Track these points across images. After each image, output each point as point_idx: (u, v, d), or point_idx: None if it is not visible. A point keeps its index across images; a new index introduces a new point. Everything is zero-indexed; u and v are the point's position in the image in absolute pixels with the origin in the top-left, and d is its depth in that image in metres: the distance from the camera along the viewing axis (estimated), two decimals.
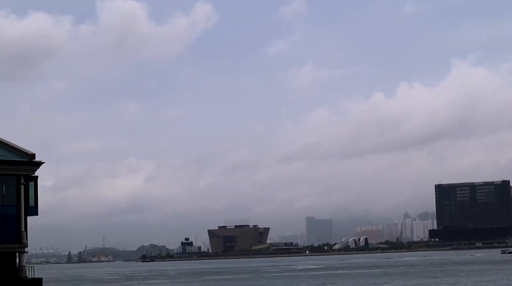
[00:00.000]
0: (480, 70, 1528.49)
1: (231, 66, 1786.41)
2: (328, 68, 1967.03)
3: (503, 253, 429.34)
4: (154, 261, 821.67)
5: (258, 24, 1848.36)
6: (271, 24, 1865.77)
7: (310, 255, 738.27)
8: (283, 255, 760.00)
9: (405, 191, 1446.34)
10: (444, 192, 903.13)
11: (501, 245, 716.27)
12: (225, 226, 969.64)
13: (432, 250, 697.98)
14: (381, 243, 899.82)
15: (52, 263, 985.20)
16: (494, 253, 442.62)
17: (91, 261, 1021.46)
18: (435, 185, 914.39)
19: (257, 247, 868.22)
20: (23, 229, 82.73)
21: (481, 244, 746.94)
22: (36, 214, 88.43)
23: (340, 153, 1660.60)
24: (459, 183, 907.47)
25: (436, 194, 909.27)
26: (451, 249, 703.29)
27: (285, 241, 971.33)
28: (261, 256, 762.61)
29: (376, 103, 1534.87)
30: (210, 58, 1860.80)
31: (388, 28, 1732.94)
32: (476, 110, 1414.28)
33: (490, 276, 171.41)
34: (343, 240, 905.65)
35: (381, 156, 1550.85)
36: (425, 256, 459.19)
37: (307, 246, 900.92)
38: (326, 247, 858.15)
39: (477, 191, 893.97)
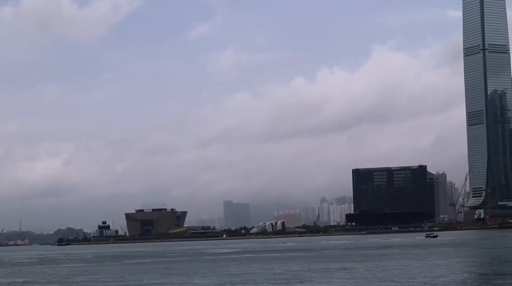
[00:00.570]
0: (400, 56, 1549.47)
1: (153, 49, 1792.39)
2: (249, 52, 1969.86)
3: (427, 237, 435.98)
4: (70, 244, 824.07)
5: (180, 7, 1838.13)
6: (193, 7, 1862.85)
7: (228, 239, 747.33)
8: (200, 239, 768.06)
9: (323, 175, 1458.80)
10: (361, 177, 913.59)
11: (417, 229, 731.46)
12: (143, 210, 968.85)
13: (348, 234, 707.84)
14: (298, 227, 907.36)
15: None
16: (419, 237, 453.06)
17: (7, 245, 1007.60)
18: (353, 170, 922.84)
19: (174, 231, 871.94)
20: None
21: (397, 228, 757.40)
22: None
23: (260, 137, 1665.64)
24: (377, 168, 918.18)
25: (353, 179, 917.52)
26: (368, 233, 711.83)
27: (202, 225, 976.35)
28: (178, 240, 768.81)
29: (297, 87, 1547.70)
30: (133, 41, 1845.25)
31: (309, 12, 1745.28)
32: (395, 95, 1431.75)
33: (431, 258, 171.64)
34: (260, 224, 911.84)
35: (300, 140, 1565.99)
36: (354, 240, 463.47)
37: (224, 230, 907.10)
38: (243, 231, 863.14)
39: (394, 176, 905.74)
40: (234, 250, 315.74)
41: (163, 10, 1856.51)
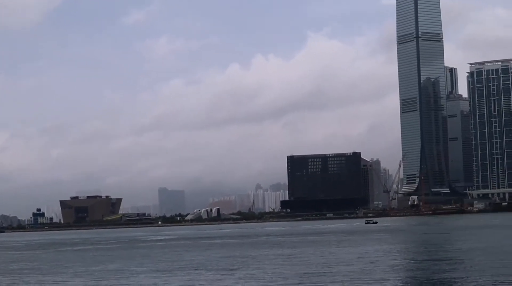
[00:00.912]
0: (335, 43, 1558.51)
1: (89, 36, 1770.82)
2: (185, 39, 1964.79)
3: (367, 223, 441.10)
4: (4, 232, 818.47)
5: None
6: None
7: (163, 226, 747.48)
8: (135, 226, 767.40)
9: (258, 162, 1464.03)
10: (296, 164, 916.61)
11: (352, 216, 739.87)
12: (77, 197, 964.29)
13: (283, 221, 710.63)
14: (233, 213, 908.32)
15: None
16: (358, 223, 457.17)
17: None
18: (287, 157, 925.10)
19: (109, 218, 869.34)
20: None
21: (332, 214, 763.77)
22: None
23: (195, 124, 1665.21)
24: (311, 155, 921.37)
25: (288, 166, 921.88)
26: (303, 219, 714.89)
27: (137, 212, 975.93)
28: (113, 227, 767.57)
29: (232, 74, 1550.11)
30: (68, 27, 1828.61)
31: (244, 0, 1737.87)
32: (330, 83, 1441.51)
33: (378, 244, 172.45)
34: (195, 211, 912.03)
35: (236, 127, 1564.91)
36: (290, 227, 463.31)
37: (160, 217, 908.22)
38: (178, 218, 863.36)
39: (329, 162, 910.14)
40: (171, 237, 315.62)
41: None
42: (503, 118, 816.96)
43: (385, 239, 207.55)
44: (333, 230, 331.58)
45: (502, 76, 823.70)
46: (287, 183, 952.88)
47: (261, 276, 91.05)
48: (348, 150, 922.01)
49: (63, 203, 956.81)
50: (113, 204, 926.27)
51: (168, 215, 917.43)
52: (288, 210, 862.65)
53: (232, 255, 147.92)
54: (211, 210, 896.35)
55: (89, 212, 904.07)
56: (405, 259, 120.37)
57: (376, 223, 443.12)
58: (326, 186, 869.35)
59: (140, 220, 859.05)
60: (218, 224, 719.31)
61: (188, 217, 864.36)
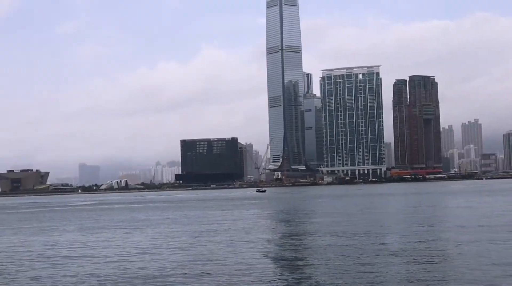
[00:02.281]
0: (222, 52, 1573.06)
1: (28, 42, 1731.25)
2: (104, 46, 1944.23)
3: (257, 191, 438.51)
4: None
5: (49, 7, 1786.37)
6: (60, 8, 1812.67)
7: (82, 193, 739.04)
8: (60, 194, 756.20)
9: (158, 144, 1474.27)
10: (187, 146, 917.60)
11: (230, 186, 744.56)
12: (13, 170, 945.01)
13: (177, 190, 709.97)
14: (138, 184, 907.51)
15: None
16: (251, 191, 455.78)
17: None
18: (181, 140, 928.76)
19: (39, 187, 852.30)
20: None
21: (215, 185, 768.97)
22: None
23: (111, 113, 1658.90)
24: (199, 139, 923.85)
25: (181, 147, 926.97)
26: (192, 189, 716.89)
27: (62, 183, 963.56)
28: (42, 194, 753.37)
29: (142, 75, 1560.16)
30: (11, 34, 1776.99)
31: (153, 15, 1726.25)
32: (217, 83, 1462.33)
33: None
34: (108, 182, 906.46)
35: (143, 117, 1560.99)
36: (197, 194, 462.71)
37: (79, 187, 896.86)
38: (94, 187, 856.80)
39: (213, 145, 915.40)
40: (92, 202, 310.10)
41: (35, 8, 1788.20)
42: (347, 112, 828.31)
43: (262, 204, 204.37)
44: (230, 196, 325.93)
45: (346, 80, 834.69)
46: (180, 161, 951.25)
47: (165, 232, 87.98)
48: (228, 135, 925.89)
49: (0, 175, 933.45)
50: (42, 176, 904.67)
51: (86, 185, 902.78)
52: (181, 181, 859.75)
53: (141, 218, 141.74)
54: (120, 181, 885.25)
55: (22, 183, 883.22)
56: (272, 218, 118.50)
57: (264, 191, 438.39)
58: (210, 164, 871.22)
59: (64, 189, 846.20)
60: (126, 192, 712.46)
61: (102, 187, 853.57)
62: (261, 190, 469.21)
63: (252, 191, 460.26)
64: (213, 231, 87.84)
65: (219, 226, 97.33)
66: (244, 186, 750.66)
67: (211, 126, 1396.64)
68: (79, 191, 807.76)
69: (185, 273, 46.16)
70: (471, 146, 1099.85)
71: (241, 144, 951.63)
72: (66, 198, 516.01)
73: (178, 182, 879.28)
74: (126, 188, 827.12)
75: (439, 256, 52.41)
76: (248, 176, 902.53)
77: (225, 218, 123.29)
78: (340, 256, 52.90)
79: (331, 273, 43.53)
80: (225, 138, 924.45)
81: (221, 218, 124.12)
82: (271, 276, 44.04)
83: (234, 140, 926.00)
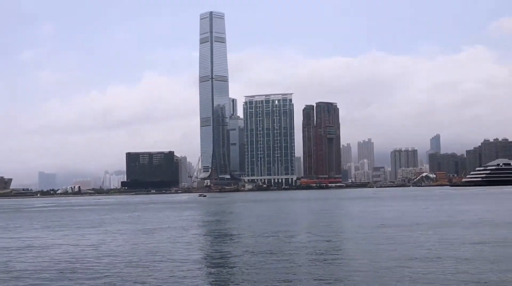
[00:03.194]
0: (164, 79, 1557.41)
1: None
2: (62, 71, 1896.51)
3: (200, 196, 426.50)
4: None
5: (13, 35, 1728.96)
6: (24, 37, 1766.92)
7: (41, 197, 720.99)
8: (21, 197, 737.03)
9: (108, 156, 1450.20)
10: (131, 157, 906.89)
11: (167, 192, 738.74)
12: None
13: (123, 195, 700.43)
14: (89, 189, 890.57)
15: None
16: (194, 196, 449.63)
17: None
18: (126, 153, 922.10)
19: (2, 192, 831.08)
20: None
21: (154, 191, 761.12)
22: None
23: (68, 130, 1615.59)
24: (142, 152, 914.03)
25: (126, 159, 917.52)
26: (136, 194, 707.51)
27: (23, 188, 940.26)
28: (5, 198, 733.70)
29: (94, 97, 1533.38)
30: None
31: (104, 45, 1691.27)
32: (160, 105, 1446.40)
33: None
34: (63, 187, 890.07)
35: (97, 133, 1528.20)
36: (124, 198, 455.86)
37: (39, 191, 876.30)
38: (51, 192, 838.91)
39: (153, 157, 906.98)
40: (50, 204, 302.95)
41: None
42: (265, 131, 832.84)
43: (194, 207, 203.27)
44: (178, 200, 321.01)
45: (265, 105, 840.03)
46: (125, 170, 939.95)
47: (117, 229, 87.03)
48: (166, 150, 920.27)
49: None
50: (6, 182, 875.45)
51: (44, 190, 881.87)
52: (126, 187, 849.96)
53: (97, 218, 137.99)
54: (74, 187, 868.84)
55: None
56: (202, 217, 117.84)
57: (205, 196, 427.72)
58: (151, 173, 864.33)
59: (25, 193, 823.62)
60: (78, 196, 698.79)
61: (59, 192, 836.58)
62: (203, 195, 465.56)
63: (195, 196, 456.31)
64: (156, 228, 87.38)
65: (161, 224, 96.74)
66: (179, 191, 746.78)
67: (152, 142, 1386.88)
68: (38, 195, 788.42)
69: (123, 261, 45.93)
70: (365, 160, 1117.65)
71: (177, 156, 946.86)
72: (27, 200, 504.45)
73: (123, 188, 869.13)
74: (79, 193, 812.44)
75: (338, 250, 53.14)
76: (183, 183, 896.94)
77: (171, 216, 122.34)
78: (256, 247, 53.33)
79: (250, 265, 43.76)
80: (164, 152, 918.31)
81: (170, 216, 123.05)
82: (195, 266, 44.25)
83: (171, 153, 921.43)
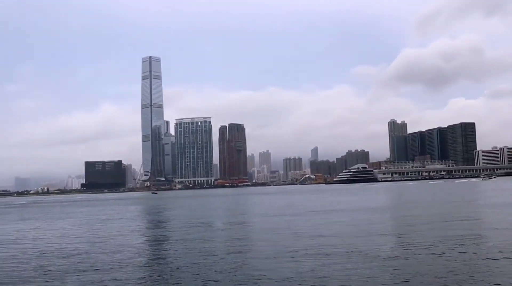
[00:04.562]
0: (115, 105, 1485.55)
1: None
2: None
3: (152, 194, 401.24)
4: None
5: None
6: None
7: (17, 196, 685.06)
8: (1, 197, 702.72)
9: (71, 164, 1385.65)
10: (89, 165, 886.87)
11: (117, 192, 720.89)
12: None
13: (83, 194, 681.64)
14: (55, 190, 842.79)
15: None
16: (145, 194, 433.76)
17: None
18: (85, 162, 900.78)
19: None
20: None
21: (106, 190, 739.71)
22: None
23: (40, 145, 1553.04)
24: (97, 161, 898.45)
25: (85, 166, 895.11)
26: (92, 193, 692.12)
27: (2, 189, 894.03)
28: None
29: (63, 120, 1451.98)
30: None
31: (68, 82, 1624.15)
32: (112, 127, 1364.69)
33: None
34: (35, 188, 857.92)
35: (61, 147, 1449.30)
36: (81, 196, 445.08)
37: (15, 192, 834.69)
38: (26, 192, 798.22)
39: (106, 165, 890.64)
40: (28, 202, 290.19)
41: None
42: (191, 145, 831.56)
43: (140, 202, 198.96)
44: (128, 197, 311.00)
45: (191, 126, 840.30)
46: (84, 175, 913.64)
47: (74, 222, 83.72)
48: (116, 159, 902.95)
49: None
50: None
51: (20, 191, 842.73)
52: (85, 188, 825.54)
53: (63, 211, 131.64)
54: (44, 188, 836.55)
55: None
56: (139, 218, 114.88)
57: (156, 193, 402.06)
58: (104, 176, 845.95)
59: (4, 193, 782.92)
60: (47, 195, 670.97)
61: (31, 192, 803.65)
62: (155, 192, 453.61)
63: (145, 193, 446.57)
64: (105, 219, 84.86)
65: (109, 217, 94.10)
66: (126, 191, 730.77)
67: (105, 153, 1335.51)
68: (15, 195, 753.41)
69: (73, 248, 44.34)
70: (264, 166, 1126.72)
71: (124, 164, 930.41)
72: (5, 199, 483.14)
73: (83, 188, 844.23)
74: (48, 192, 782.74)
75: (246, 235, 53.05)
76: (129, 184, 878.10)
77: (121, 210, 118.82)
78: (185, 235, 52.69)
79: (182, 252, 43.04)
80: (114, 160, 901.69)
81: (118, 210, 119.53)
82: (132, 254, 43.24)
83: (119, 162, 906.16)
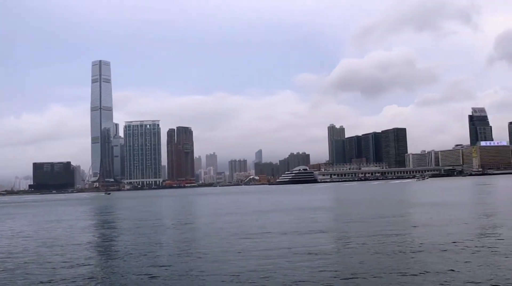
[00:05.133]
0: (65, 109, 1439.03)
1: None
2: None
3: (105, 194, 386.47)
4: None
5: None
6: None
7: None
8: None
9: (19, 165, 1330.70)
10: (37, 166, 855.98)
11: (66, 192, 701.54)
12: None
13: (30, 195, 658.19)
14: (2, 191, 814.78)
15: None
16: (103, 194, 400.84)
17: None
18: (33, 163, 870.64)
19: None
20: None
21: (55, 191, 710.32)
22: None
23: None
24: (46, 162, 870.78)
25: (33, 167, 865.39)
26: (41, 194, 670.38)
27: None
28: None
29: (11, 121, 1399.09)
30: None
31: (18, 84, 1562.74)
32: (61, 128, 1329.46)
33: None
34: None
35: (11, 148, 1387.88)
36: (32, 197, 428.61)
37: None
38: None
39: (54, 166, 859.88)
40: None
41: None
42: (139, 147, 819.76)
43: (91, 202, 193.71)
44: (80, 198, 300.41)
45: (139, 128, 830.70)
46: (32, 176, 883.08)
47: (32, 220, 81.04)
48: (65, 160, 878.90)
49: None
50: None
51: None
52: (33, 189, 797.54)
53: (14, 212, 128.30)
54: None
55: None
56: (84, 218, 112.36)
57: (110, 194, 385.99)
58: (53, 177, 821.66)
59: None
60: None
61: None
62: (108, 193, 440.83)
63: (100, 194, 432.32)
64: (56, 220, 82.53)
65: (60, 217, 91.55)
66: (75, 192, 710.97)
67: (54, 155, 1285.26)
68: None
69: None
70: (211, 167, 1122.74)
71: (73, 165, 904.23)
72: None
73: (30, 189, 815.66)
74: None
75: (194, 233, 52.91)
76: (77, 185, 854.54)
77: (72, 211, 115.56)
78: (132, 231, 52.14)
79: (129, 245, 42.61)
80: (63, 162, 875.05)
81: (68, 210, 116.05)
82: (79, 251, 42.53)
83: (68, 163, 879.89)
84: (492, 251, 29.68)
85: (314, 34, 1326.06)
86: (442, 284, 22.38)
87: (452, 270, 24.82)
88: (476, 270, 24.80)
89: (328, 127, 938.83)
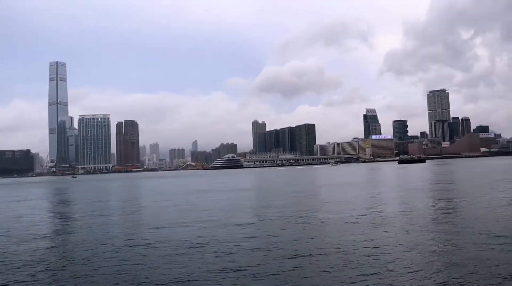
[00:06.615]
0: (27, 103, 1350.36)
1: None
2: None
3: (72, 177, 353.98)
4: None
5: None
6: None
7: None
8: None
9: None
10: (0, 154, 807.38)
11: (26, 176, 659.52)
12: None
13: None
14: None
15: None
16: (69, 178, 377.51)
17: None
18: None
19: None
20: None
21: (16, 176, 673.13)
22: None
23: None
24: (9, 150, 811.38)
25: None
26: (3, 178, 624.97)
27: None
28: None
29: None
30: None
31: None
32: (22, 121, 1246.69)
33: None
34: None
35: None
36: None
37: None
38: None
39: (15, 153, 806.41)
40: None
41: None
42: (92, 137, 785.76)
43: (40, 186, 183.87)
44: (48, 180, 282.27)
45: (92, 121, 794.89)
46: None
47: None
48: (25, 148, 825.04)
49: None
50: None
51: None
52: None
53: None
54: None
55: None
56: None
57: (76, 177, 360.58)
58: (14, 163, 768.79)
59: None
60: None
61: None
62: (74, 176, 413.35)
63: (69, 177, 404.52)
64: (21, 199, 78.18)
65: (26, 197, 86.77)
66: (34, 176, 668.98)
67: (15, 144, 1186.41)
68: None
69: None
70: (154, 155, 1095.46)
71: (32, 153, 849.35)
72: None
73: None
74: None
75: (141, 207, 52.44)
76: (36, 170, 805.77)
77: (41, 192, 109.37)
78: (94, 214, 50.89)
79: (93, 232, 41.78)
80: (23, 150, 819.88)
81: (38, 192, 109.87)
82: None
83: (28, 151, 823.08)
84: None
85: (244, 45, 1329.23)
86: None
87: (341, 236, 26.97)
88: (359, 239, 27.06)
89: (252, 122, 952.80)
